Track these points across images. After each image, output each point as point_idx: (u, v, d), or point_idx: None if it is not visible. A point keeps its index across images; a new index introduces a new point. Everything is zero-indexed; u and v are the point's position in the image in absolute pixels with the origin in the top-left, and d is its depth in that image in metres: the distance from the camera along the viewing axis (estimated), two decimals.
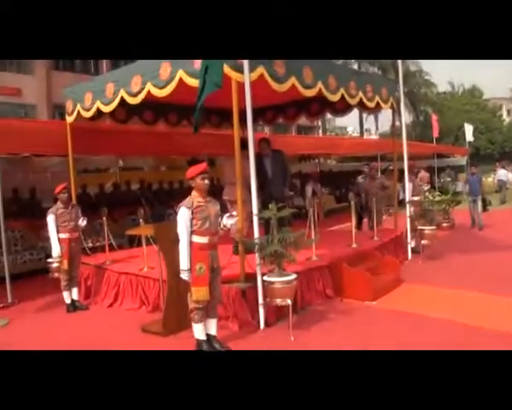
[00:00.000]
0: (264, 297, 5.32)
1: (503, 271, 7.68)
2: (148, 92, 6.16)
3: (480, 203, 12.60)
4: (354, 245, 7.52)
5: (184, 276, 4.58)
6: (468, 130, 25.89)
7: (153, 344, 5.17)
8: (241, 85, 5.37)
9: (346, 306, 6.29)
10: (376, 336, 5.16)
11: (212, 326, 4.86)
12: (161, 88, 5.96)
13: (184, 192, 5.07)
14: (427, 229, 8.50)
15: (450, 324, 5.40)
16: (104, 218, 7.76)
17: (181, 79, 5.69)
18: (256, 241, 5.25)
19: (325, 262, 6.62)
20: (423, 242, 8.62)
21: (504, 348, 4.53)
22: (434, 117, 23.79)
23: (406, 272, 7.67)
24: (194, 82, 5.41)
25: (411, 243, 8.93)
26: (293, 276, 5.16)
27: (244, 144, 5.48)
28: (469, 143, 27.13)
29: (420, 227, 8.63)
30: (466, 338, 4.93)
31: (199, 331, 4.76)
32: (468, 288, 6.76)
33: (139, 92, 6.30)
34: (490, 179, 25.44)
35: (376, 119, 16.57)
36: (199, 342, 4.78)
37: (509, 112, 64.66)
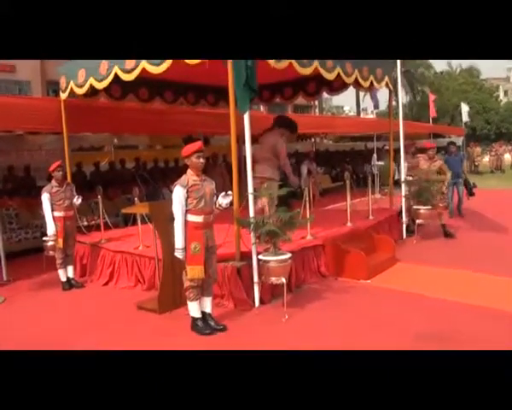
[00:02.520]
0: (260, 276, 5.35)
1: (495, 250, 7.75)
2: (143, 69, 6.09)
3: (461, 188, 10.94)
4: (349, 224, 7.54)
5: (179, 255, 4.59)
6: (465, 110, 25.93)
7: (148, 322, 5.22)
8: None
9: (341, 284, 6.33)
10: (369, 315, 5.22)
11: (208, 304, 4.90)
12: (157, 65, 5.89)
13: (180, 171, 5.06)
14: (423, 209, 8.51)
15: (444, 303, 5.47)
16: (99, 196, 7.74)
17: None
18: (251, 220, 5.26)
19: (320, 241, 6.64)
20: (418, 221, 8.64)
21: (500, 326, 4.67)
22: (432, 97, 23.71)
23: (401, 252, 7.71)
24: (188, 61, 5.36)
25: (406, 223, 8.96)
26: (288, 255, 5.18)
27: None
28: (465, 123, 27.16)
29: (415, 207, 8.65)
30: (461, 317, 5.00)
31: (194, 309, 4.80)
32: (462, 267, 6.81)
33: (134, 69, 6.23)
34: (485, 159, 25.56)
35: (375, 98, 16.47)
36: (194, 319, 4.82)
37: (505, 92, 64.51)
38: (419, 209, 8.55)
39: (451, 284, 6.20)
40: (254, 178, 5.68)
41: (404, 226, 8.90)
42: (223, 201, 4.78)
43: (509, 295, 5.65)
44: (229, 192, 4.84)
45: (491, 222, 9.98)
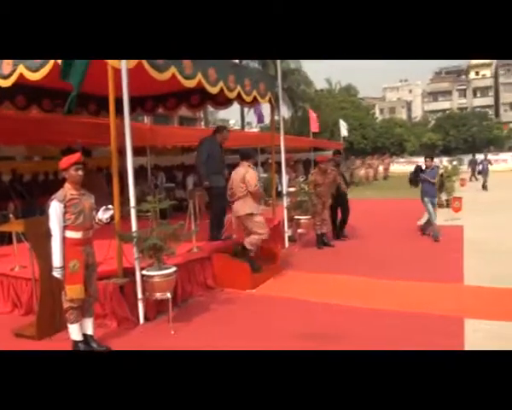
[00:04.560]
0: (144, 292, 5.23)
1: (370, 256, 8.35)
2: (21, 75, 5.72)
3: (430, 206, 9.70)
4: (235, 236, 7.65)
5: (57, 274, 4.34)
6: (343, 126, 27.66)
7: (27, 349, 4.85)
8: (117, 72, 5.20)
9: (227, 296, 6.40)
10: (255, 322, 5.36)
11: (89, 326, 4.67)
12: (35, 71, 5.57)
13: (60, 184, 4.78)
14: (303, 218, 8.89)
15: (326, 306, 5.80)
16: None
17: (55, 63, 5.32)
18: (134, 234, 5.14)
19: (206, 254, 6.67)
20: (299, 230, 9.01)
21: (377, 323, 5.12)
22: (312, 113, 24.90)
23: (284, 260, 7.98)
24: None
25: (288, 232, 9.29)
26: (173, 269, 5.14)
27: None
28: (344, 138, 28.93)
29: (296, 217, 9.02)
30: (342, 318, 5.35)
31: (75, 332, 4.54)
32: (340, 272, 7.27)
33: (10, 74, 5.82)
34: (362, 172, 27.39)
35: (259, 113, 16.92)
36: (75, 343, 4.56)
37: (381, 110, 69.98)
38: (300, 219, 8.92)
39: (332, 288, 6.60)
40: None
41: (287, 236, 9.23)
42: (103, 215, 4.61)
43: (384, 296, 6.17)
44: (110, 206, 4.69)
45: (366, 229, 10.67)
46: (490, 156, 29.04)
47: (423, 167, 9.94)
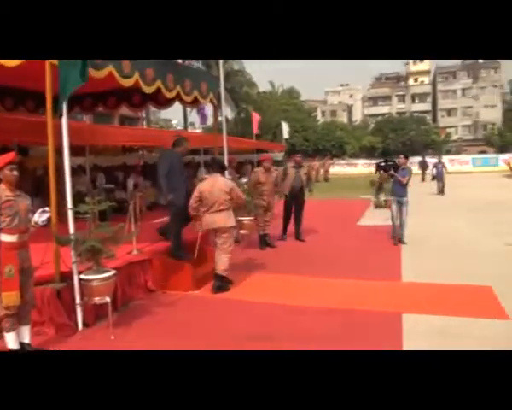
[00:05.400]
0: (82, 297, 5.08)
1: (309, 256, 8.52)
2: None
3: (405, 209, 9.33)
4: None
5: None
6: (285, 128, 28.02)
7: None
8: (55, 68, 5.03)
9: (169, 298, 6.33)
10: (199, 323, 5.35)
11: (26, 334, 4.47)
12: None
13: None
14: (246, 219, 8.92)
15: (270, 306, 5.85)
16: None
17: None
18: (71, 237, 4.98)
19: (147, 256, 6.57)
20: (242, 231, 9.03)
21: (317, 321, 5.24)
22: (255, 115, 25.09)
23: None
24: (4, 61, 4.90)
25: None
26: (112, 272, 5.02)
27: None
28: (286, 140, 29.33)
29: (239, 218, 9.02)
30: (285, 318, 5.42)
31: (11, 341, 4.33)
32: (284, 272, 7.36)
33: None
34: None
35: (202, 113, 16.85)
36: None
37: (323, 113, 71.35)
38: (242, 220, 8.94)
39: (273, 288, 6.66)
40: None
41: None
42: (39, 218, 4.44)
43: (324, 294, 6.30)
44: (47, 208, 4.53)
45: (308, 230, 10.80)
46: (428, 159, 30.19)
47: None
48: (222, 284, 6.52)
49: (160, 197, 6.97)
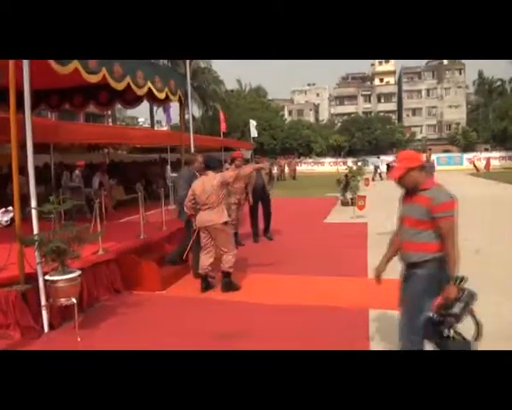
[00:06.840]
0: (47, 298, 4.99)
1: (279, 253, 8.54)
2: None
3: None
4: (142, 236, 7.51)
5: None
6: (253, 126, 28.11)
7: None
8: (19, 62, 4.89)
9: (136, 298, 6.27)
10: (167, 323, 5.32)
11: None
12: None
13: None
14: None
15: (238, 304, 5.88)
16: None
17: None
18: (36, 237, 4.88)
19: (112, 255, 6.47)
20: None
21: (284, 318, 5.28)
22: (222, 114, 25.06)
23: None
24: None
25: None
26: (78, 272, 4.95)
27: None
28: (254, 138, 29.41)
29: None
30: (252, 316, 5.46)
31: None
32: (251, 271, 7.36)
33: None
34: (274, 171, 28.18)
35: (168, 111, 16.77)
36: None
37: (290, 112, 71.80)
38: None
39: (241, 286, 6.62)
40: None
41: None
42: (2, 217, 4.35)
43: (291, 291, 6.38)
44: (10, 208, 4.44)
45: (276, 228, 10.85)
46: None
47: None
48: (229, 281, 6.54)
49: (181, 214, 7.05)
